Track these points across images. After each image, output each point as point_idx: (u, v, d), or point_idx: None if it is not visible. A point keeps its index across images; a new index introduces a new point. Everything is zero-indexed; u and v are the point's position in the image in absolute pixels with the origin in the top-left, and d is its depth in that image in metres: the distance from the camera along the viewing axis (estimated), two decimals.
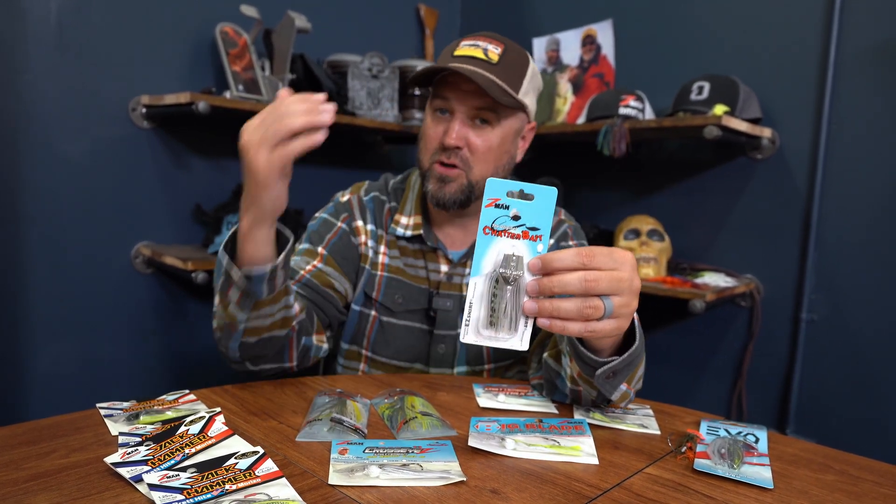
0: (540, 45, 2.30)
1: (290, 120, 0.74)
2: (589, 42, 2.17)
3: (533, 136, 1.15)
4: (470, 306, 0.67)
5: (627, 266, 0.68)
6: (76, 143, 1.66)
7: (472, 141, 1.03)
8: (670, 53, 1.98)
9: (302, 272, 1.08)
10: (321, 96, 0.76)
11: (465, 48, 1.03)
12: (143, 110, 1.75)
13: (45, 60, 1.60)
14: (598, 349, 0.78)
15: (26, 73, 1.57)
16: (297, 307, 0.93)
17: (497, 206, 0.65)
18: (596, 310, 0.66)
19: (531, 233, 0.66)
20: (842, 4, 1.63)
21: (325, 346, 1.05)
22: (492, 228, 0.65)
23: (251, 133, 0.77)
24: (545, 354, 0.93)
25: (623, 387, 0.82)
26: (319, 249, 1.11)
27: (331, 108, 0.76)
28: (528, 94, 1.07)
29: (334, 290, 1.10)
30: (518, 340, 0.68)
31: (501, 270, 0.66)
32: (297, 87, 1.87)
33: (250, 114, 1.70)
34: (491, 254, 0.66)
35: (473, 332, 0.68)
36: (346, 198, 1.18)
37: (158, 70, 1.78)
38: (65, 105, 1.64)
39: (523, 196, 0.65)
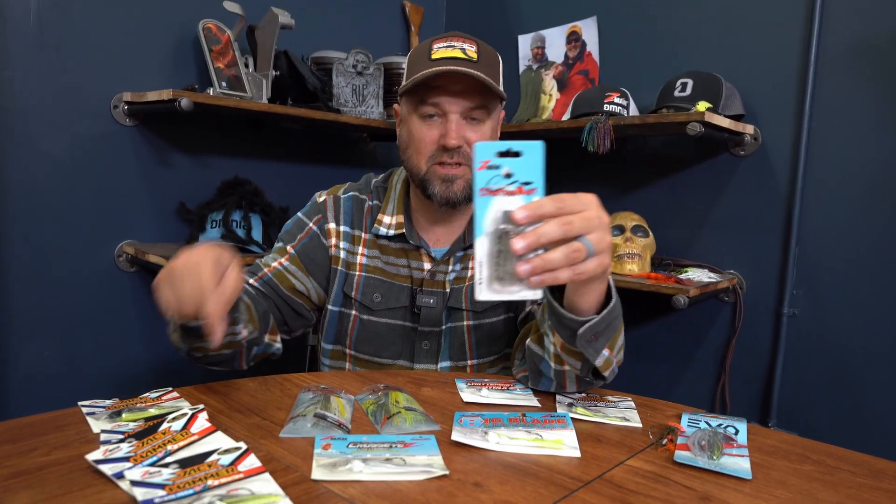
0: (525, 41, 2.30)
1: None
2: (574, 39, 2.18)
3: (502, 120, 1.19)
4: (480, 265, 0.68)
5: (594, 204, 0.70)
6: (57, 140, 1.64)
7: (471, 138, 1.06)
8: (654, 50, 1.99)
9: (265, 270, 1.13)
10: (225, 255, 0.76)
11: (442, 50, 1.04)
12: (126, 107, 1.73)
13: (26, 57, 1.58)
14: (581, 311, 0.79)
15: (6, 69, 1.55)
16: (244, 332, 0.94)
17: (489, 167, 0.67)
18: (579, 252, 0.67)
19: (525, 187, 0.67)
20: (823, 3, 1.64)
21: (278, 345, 1.10)
22: (488, 189, 0.67)
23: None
24: (528, 341, 0.94)
25: (605, 352, 0.83)
26: (289, 248, 1.15)
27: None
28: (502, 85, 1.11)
29: (294, 291, 1.13)
30: (530, 291, 0.69)
31: (502, 226, 0.68)
32: (281, 83, 1.86)
33: (234, 111, 1.70)
34: (490, 213, 0.68)
35: (487, 289, 0.69)
36: (322, 198, 1.20)
37: (141, 67, 1.76)
38: (46, 102, 1.62)
39: (511, 154, 0.67)
